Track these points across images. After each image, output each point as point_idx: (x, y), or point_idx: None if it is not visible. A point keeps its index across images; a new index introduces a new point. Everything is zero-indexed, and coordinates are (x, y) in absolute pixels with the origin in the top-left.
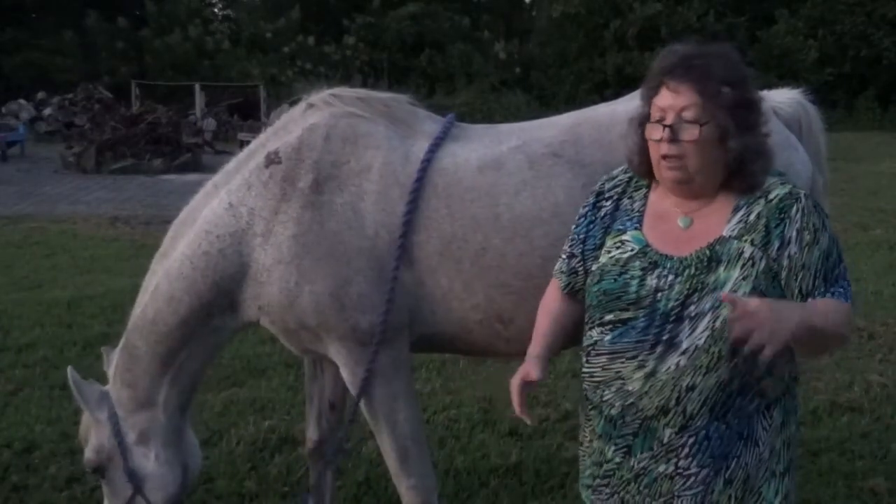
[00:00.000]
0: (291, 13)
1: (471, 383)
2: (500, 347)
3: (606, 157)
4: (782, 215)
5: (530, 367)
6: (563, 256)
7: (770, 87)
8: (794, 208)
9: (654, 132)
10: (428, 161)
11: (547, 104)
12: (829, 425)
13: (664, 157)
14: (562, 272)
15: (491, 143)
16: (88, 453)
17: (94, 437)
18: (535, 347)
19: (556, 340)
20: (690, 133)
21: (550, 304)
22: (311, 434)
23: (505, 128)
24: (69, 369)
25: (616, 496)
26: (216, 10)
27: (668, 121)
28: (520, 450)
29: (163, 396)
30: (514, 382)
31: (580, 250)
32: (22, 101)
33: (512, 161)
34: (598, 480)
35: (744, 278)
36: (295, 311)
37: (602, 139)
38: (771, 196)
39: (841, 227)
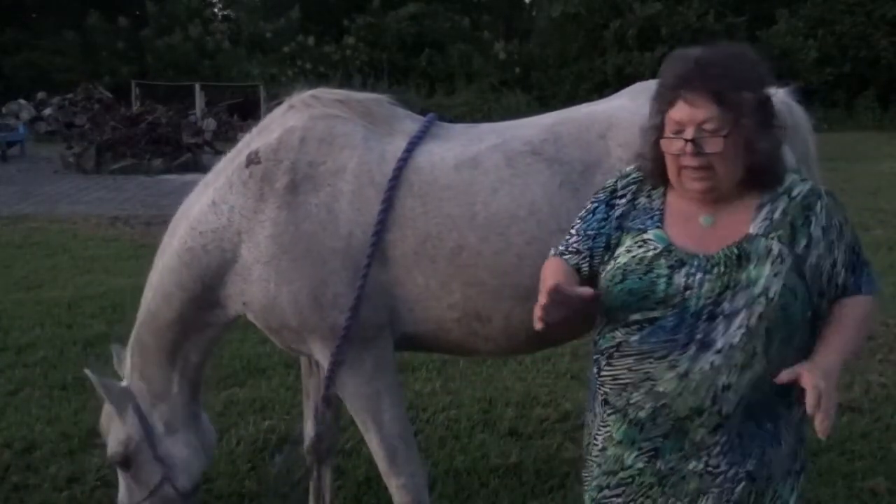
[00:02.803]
0: (291, 13)
1: (471, 383)
2: (479, 346)
3: (585, 155)
4: (807, 213)
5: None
6: (566, 252)
7: None
8: (818, 205)
9: (672, 146)
10: (404, 160)
11: (547, 104)
12: None
13: (687, 167)
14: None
15: (469, 142)
16: (116, 447)
17: (119, 431)
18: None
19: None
20: (714, 145)
21: (557, 261)
22: (309, 430)
23: (485, 127)
24: (87, 372)
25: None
26: (216, 10)
27: (688, 135)
28: (520, 450)
29: (176, 387)
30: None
31: (587, 247)
32: (22, 101)
33: (489, 159)
34: (606, 491)
35: (775, 275)
36: (276, 311)
37: (581, 138)
38: (794, 193)
39: None
